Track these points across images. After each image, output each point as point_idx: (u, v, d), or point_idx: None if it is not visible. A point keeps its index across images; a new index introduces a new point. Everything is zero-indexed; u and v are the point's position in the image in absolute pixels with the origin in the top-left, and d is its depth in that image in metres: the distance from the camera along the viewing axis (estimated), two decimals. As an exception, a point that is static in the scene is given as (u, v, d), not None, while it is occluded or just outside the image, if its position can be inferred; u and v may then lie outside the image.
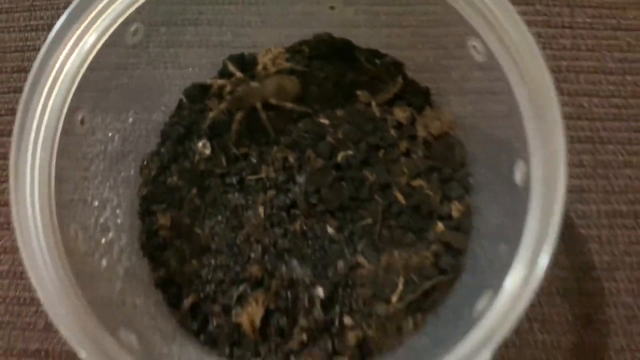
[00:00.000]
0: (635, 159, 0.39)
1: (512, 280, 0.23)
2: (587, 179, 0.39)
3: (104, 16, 0.26)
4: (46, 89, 0.26)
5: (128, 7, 0.26)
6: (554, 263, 0.37)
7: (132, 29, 0.28)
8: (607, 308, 0.37)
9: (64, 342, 0.36)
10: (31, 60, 0.41)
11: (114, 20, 0.27)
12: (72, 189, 0.27)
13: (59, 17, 0.41)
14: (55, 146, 0.25)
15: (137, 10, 0.27)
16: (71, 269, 0.24)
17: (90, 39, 0.26)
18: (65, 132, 0.26)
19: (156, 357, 0.26)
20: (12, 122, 0.39)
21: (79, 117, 0.27)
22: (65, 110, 0.26)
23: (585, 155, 0.39)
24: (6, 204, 0.38)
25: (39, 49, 0.41)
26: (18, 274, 0.38)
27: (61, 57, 0.26)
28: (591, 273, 0.37)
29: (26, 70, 0.41)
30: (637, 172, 0.39)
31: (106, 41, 0.27)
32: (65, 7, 0.41)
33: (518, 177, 0.26)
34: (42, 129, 0.25)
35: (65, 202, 0.26)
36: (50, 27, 0.41)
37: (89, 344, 0.23)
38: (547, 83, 0.25)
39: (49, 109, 0.25)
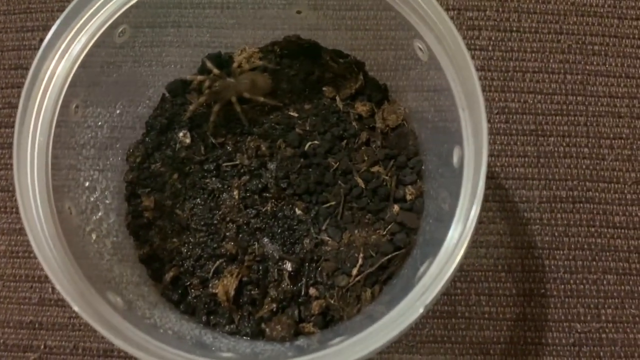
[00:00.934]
0: (574, 150, 0.41)
1: (445, 247, 0.27)
2: (531, 167, 0.41)
3: (94, 19, 0.29)
4: (44, 83, 0.28)
5: (116, 11, 0.29)
6: (500, 243, 0.41)
7: (120, 30, 0.31)
8: (547, 283, 0.40)
9: (56, 314, 0.40)
10: (27, 58, 0.43)
11: (104, 23, 0.29)
12: (66, 171, 0.30)
13: (53, 19, 0.43)
14: (52, 132, 0.28)
15: (124, 14, 0.30)
16: (65, 239, 0.27)
17: (82, 38, 0.29)
18: (60, 120, 0.29)
19: (139, 318, 0.29)
20: (9, 115, 0.43)
21: (73, 106, 0.30)
22: (60, 101, 0.29)
23: (529, 147, 0.41)
24: (2, 189, 0.41)
25: (34, 48, 0.44)
26: (15, 254, 0.40)
27: (57, 55, 0.29)
28: (533, 252, 0.40)
29: (23, 67, 0.43)
30: (576, 162, 0.41)
31: (96, 41, 0.29)
32: (59, 10, 0.44)
33: (455, 160, 0.29)
34: (41, 117, 0.28)
35: (61, 182, 0.29)
36: (45, 27, 0.43)
37: (81, 301, 0.26)
38: (474, 81, 0.28)
39: (46, 99, 0.28)
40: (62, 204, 0.29)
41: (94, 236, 0.31)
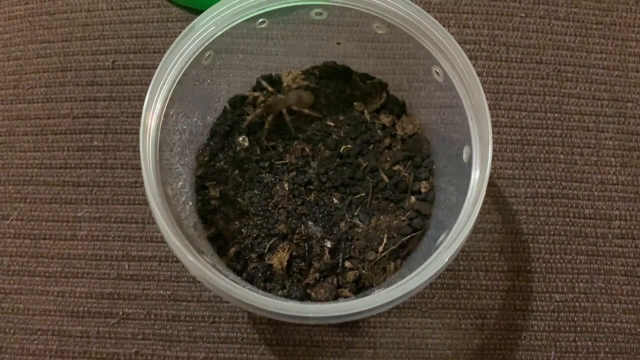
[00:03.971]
0: (552, 156, 0.46)
1: (461, 217, 0.33)
2: (517, 169, 0.46)
3: (192, 45, 0.36)
4: (156, 96, 0.35)
5: (208, 39, 0.36)
6: (494, 229, 0.46)
7: (207, 54, 0.37)
8: (532, 262, 0.44)
9: (131, 287, 0.45)
10: (102, 76, 0.49)
11: (198, 48, 0.36)
12: (165, 164, 0.36)
13: (122, 44, 0.50)
14: (159, 131, 0.35)
15: (213, 42, 0.36)
16: (172, 213, 0.34)
17: (183, 60, 0.36)
18: (163, 125, 0.35)
19: (222, 276, 0.36)
20: (87, 123, 0.48)
21: (171, 113, 0.36)
22: (165, 109, 0.35)
23: (516, 153, 0.47)
24: (84, 184, 0.46)
25: (108, 68, 0.50)
26: (95, 237, 0.45)
27: (165, 73, 0.35)
28: (520, 237, 0.45)
29: (98, 84, 0.49)
30: (554, 166, 0.46)
31: (191, 63, 0.36)
32: (128, 37, 0.51)
33: (465, 157, 0.36)
34: (154, 121, 0.35)
35: (163, 171, 0.35)
36: (116, 51, 0.50)
37: (192, 255, 0.32)
38: (482, 98, 0.34)
39: (157, 108, 0.35)
40: (165, 187, 0.35)
41: (183, 215, 0.37)
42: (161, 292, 0.44)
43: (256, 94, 0.43)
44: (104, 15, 0.51)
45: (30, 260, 0.46)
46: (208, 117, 0.43)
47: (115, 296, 0.44)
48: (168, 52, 0.35)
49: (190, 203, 0.40)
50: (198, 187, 0.42)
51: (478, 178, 0.34)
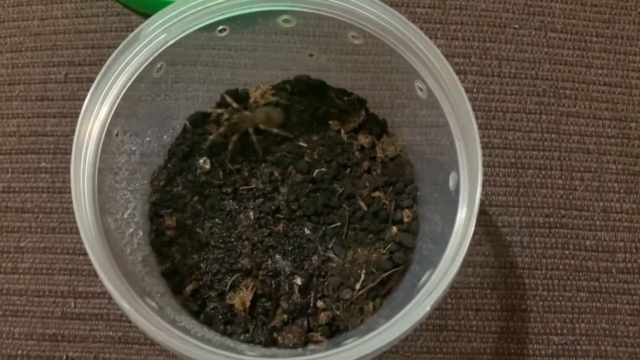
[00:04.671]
0: (549, 181, 0.44)
1: (447, 254, 0.30)
2: (511, 196, 0.44)
3: (140, 55, 0.32)
4: (94, 112, 0.31)
5: (159, 49, 0.32)
6: (485, 263, 0.44)
7: (158, 66, 0.34)
8: (527, 300, 0.42)
9: (77, 327, 0.42)
10: (52, 90, 0.46)
11: (147, 59, 0.32)
12: (107, 190, 0.33)
13: (77, 55, 0.47)
14: (99, 155, 0.31)
15: (164, 52, 0.33)
16: (111, 249, 0.30)
17: (128, 72, 0.32)
18: (105, 145, 0.31)
19: (171, 321, 0.32)
20: (35, 142, 0.45)
21: (115, 132, 0.33)
22: (106, 127, 0.31)
23: (510, 178, 0.44)
24: (27, 210, 0.43)
25: (60, 82, 0.47)
26: (38, 270, 0.42)
27: (106, 87, 0.31)
28: (515, 271, 0.43)
29: (49, 99, 0.46)
30: (551, 192, 0.44)
31: (139, 75, 0.32)
32: (83, 47, 0.47)
33: (451, 184, 0.33)
34: (91, 141, 0.31)
35: (103, 199, 0.31)
36: (70, 63, 0.46)
37: (128, 301, 0.28)
38: (471, 117, 0.31)
39: (96, 125, 0.31)
40: (105, 218, 0.31)
41: (128, 249, 0.34)
42: (110, 333, 0.41)
43: (220, 110, 0.40)
44: (58, 23, 0.48)
45: (-36, 295, 0.42)
46: (165, 137, 0.40)
47: (59, 337, 0.41)
48: (109, 61, 0.31)
49: (141, 234, 0.37)
50: (152, 215, 0.39)
51: (467, 207, 0.31)
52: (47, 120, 0.46)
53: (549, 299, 0.43)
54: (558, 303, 0.42)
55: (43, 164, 0.45)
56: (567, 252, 0.43)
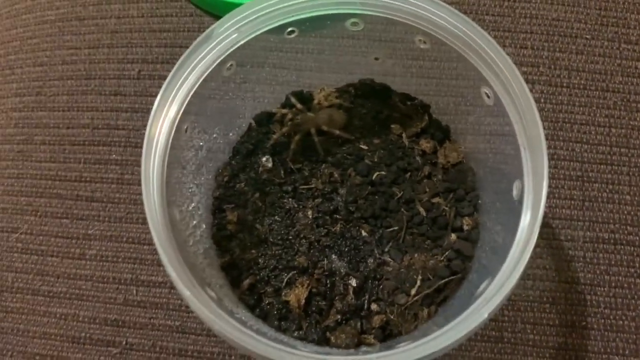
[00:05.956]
0: (617, 196, 0.43)
1: (507, 263, 0.29)
2: (576, 210, 0.43)
3: (211, 54, 0.33)
4: (165, 108, 0.32)
5: (229, 49, 0.33)
6: (546, 277, 0.42)
7: (228, 65, 0.34)
8: (588, 317, 0.41)
9: (138, 314, 0.42)
10: (126, 86, 0.48)
11: (218, 58, 0.33)
12: (174, 183, 0.33)
13: (150, 53, 0.48)
14: (168, 150, 0.32)
15: (234, 52, 0.34)
16: (175, 239, 0.31)
17: (200, 70, 0.33)
18: (174, 140, 0.32)
19: (229, 312, 0.32)
20: (107, 135, 0.47)
21: (184, 127, 0.33)
22: (176, 123, 0.32)
23: (575, 191, 0.43)
24: (95, 200, 0.45)
25: (133, 78, 0.48)
26: (104, 258, 0.43)
27: (178, 83, 0.32)
28: (576, 287, 0.41)
29: (122, 94, 0.47)
30: (618, 207, 0.43)
31: (209, 73, 0.33)
32: (157, 46, 0.49)
33: (515, 193, 0.32)
34: (162, 136, 0.32)
35: (170, 191, 0.32)
36: (143, 60, 0.48)
37: (190, 289, 0.29)
38: (538, 127, 0.30)
39: (167, 121, 0.32)
40: (171, 209, 0.32)
41: (191, 241, 0.35)
42: (169, 322, 0.42)
43: (284, 111, 0.41)
44: (134, 22, 0.50)
45: (35, 278, 0.44)
46: (230, 134, 0.41)
47: (120, 323, 0.42)
48: (181, 60, 0.32)
49: (204, 227, 0.38)
50: (215, 209, 0.40)
51: (530, 218, 0.30)
52: (120, 115, 0.47)
53: (612, 317, 0.41)
54: (621, 322, 0.41)
55: (114, 156, 0.46)
56: (632, 270, 0.42)
